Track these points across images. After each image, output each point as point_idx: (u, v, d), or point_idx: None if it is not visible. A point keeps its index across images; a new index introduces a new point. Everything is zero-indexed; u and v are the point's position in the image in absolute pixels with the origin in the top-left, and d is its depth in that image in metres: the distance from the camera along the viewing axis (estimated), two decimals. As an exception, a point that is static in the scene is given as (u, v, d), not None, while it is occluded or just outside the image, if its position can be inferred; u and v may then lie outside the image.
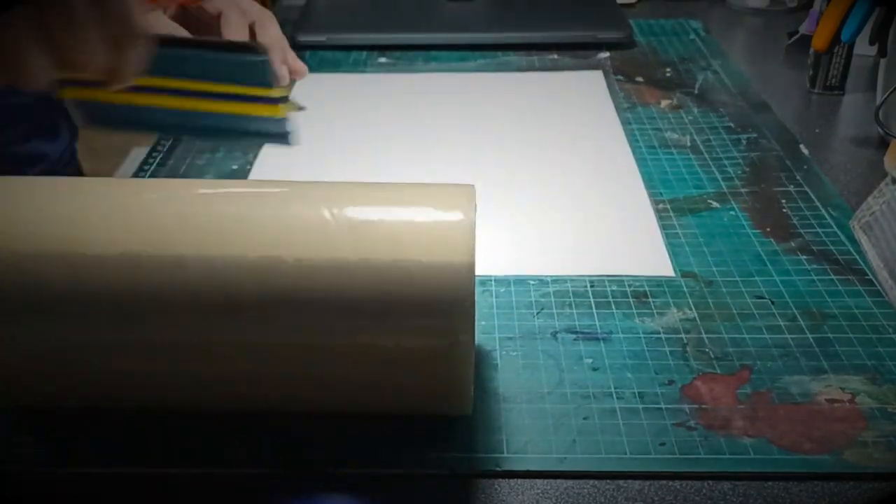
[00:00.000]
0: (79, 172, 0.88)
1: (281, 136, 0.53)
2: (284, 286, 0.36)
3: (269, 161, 0.69)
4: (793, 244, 0.57)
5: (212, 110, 0.51)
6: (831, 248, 0.56)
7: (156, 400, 0.42)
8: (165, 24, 0.60)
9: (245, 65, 0.51)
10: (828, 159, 0.70)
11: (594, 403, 0.44)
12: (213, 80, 0.51)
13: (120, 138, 0.61)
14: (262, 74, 0.52)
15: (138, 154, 0.72)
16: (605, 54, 0.89)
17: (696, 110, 0.77)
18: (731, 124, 0.74)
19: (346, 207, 0.38)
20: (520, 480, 0.40)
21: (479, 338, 0.49)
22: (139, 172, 0.68)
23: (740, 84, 0.83)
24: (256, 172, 0.67)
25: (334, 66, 0.88)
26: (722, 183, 0.65)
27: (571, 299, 0.52)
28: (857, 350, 0.47)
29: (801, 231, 0.58)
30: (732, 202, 0.62)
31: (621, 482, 0.40)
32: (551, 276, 0.54)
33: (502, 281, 0.53)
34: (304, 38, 0.91)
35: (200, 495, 0.39)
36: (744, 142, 0.71)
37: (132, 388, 0.41)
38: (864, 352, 0.47)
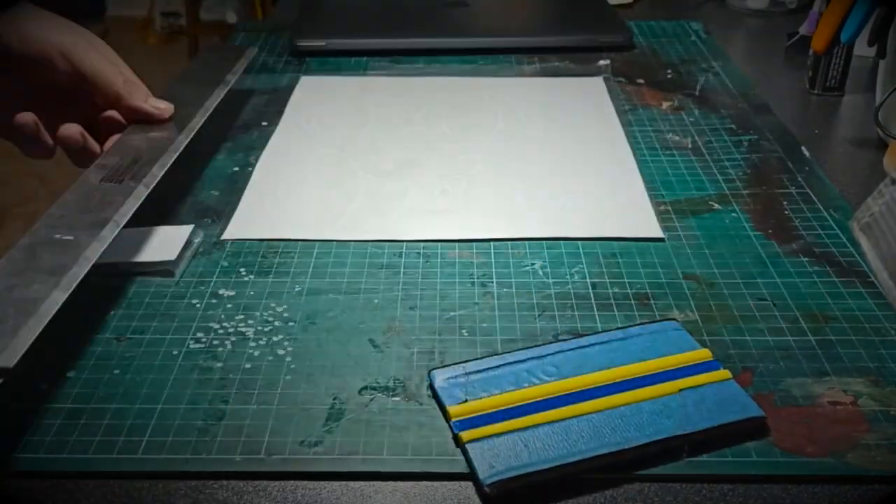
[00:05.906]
0: None
1: None
2: None
3: (270, 163, 0.69)
4: (794, 246, 0.57)
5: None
6: (833, 249, 0.56)
7: None
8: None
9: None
10: (827, 160, 0.70)
11: (597, 406, 0.44)
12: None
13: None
14: None
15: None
16: (605, 61, 0.89)
17: (696, 112, 0.77)
18: (733, 126, 0.74)
19: None
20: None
21: (480, 340, 0.49)
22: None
23: (741, 85, 0.83)
24: (258, 174, 0.67)
25: (335, 69, 0.88)
26: (723, 184, 0.65)
27: (573, 301, 0.52)
28: (859, 352, 0.47)
29: (803, 233, 0.58)
30: (734, 204, 0.62)
31: (623, 483, 0.40)
32: (553, 279, 0.54)
33: (504, 283, 0.54)
34: (304, 43, 0.90)
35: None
36: (745, 143, 0.71)
37: None
38: (867, 354, 0.47)
